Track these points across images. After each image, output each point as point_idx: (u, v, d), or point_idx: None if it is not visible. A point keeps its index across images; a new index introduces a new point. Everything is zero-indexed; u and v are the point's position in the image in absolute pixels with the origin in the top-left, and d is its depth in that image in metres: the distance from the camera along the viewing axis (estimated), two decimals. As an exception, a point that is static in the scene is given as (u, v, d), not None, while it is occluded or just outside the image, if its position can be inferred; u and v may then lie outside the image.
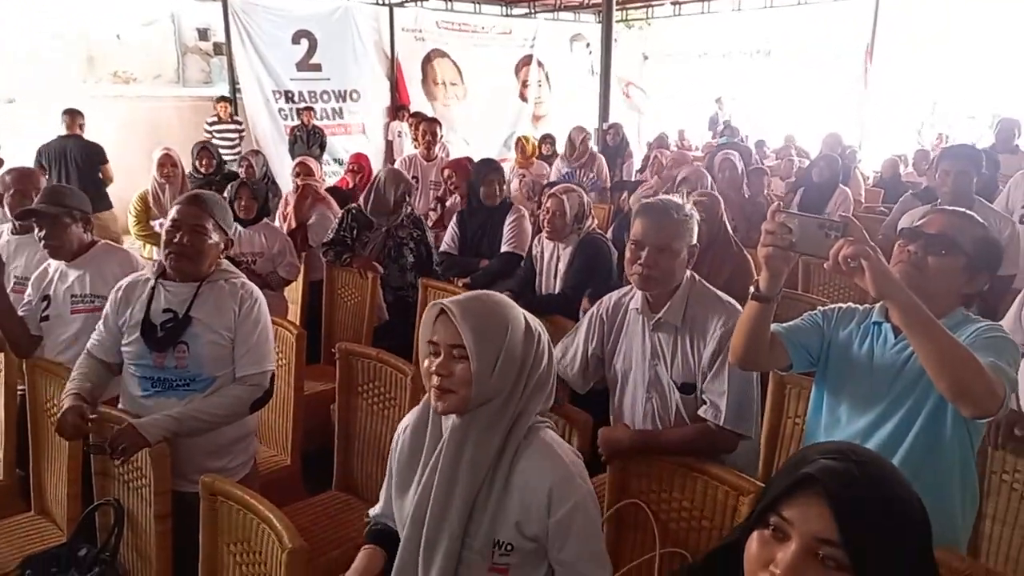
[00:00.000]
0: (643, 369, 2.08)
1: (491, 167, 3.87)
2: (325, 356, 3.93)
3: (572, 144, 6.11)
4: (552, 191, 3.37)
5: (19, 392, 2.70)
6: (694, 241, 2.04)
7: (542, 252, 3.42)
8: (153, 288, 2.15)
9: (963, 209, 1.75)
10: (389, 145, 10.35)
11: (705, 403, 1.98)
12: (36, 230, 2.51)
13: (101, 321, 2.23)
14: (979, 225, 1.64)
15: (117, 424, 2.00)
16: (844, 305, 1.84)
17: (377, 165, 9.12)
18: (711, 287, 2.09)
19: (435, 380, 1.37)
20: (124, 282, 2.24)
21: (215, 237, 2.12)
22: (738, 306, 2.01)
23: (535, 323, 1.45)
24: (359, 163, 5.67)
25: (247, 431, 2.30)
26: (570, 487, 1.38)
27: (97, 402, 2.14)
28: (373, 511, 1.65)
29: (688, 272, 2.07)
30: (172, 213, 2.10)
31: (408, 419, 1.58)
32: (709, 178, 3.85)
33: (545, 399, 1.46)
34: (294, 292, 4.13)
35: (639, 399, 2.10)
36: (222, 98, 8.81)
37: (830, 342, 1.76)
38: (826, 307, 1.86)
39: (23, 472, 2.69)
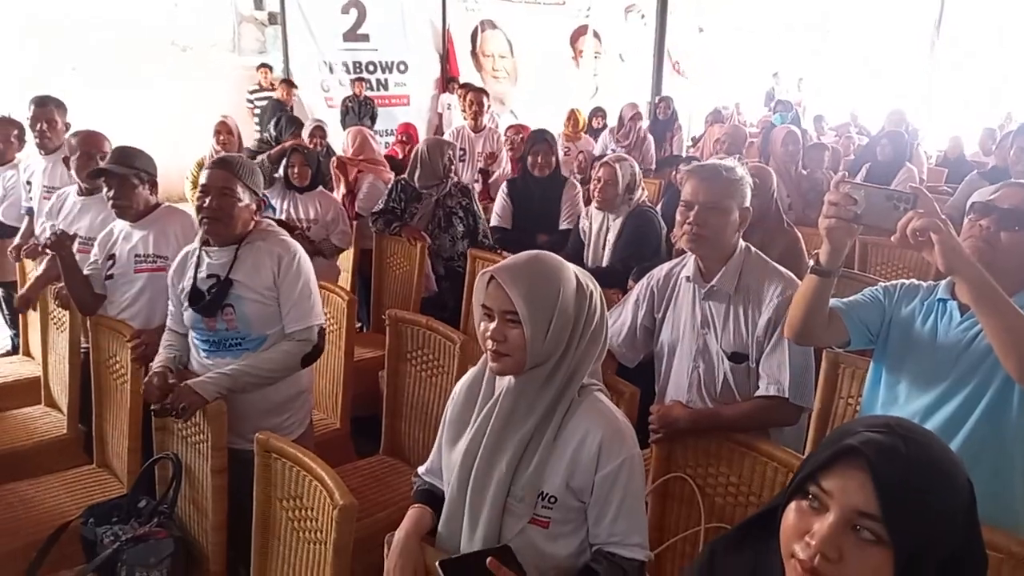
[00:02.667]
0: (691, 338, 2.06)
1: (540, 137, 3.85)
2: (374, 324, 4.00)
3: (621, 121, 6.01)
4: (604, 160, 3.35)
5: (83, 350, 2.81)
6: (746, 203, 2.00)
7: (591, 224, 3.40)
8: (198, 256, 2.22)
9: None
10: (439, 118, 10.34)
11: (762, 377, 1.94)
12: (105, 189, 2.58)
13: (170, 298, 2.33)
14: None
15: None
16: (908, 281, 1.78)
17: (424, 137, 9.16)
18: (766, 258, 2.05)
19: (490, 344, 1.39)
20: (178, 256, 2.33)
21: (245, 199, 2.16)
22: (795, 277, 1.97)
23: (586, 279, 1.44)
24: (407, 132, 5.67)
25: (300, 389, 2.35)
26: (621, 444, 1.40)
27: (186, 367, 2.26)
28: (421, 469, 1.68)
29: (743, 243, 2.03)
30: (201, 179, 2.15)
31: (465, 378, 1.60)
32: (749, 140, 3.80)
33: (599, 354, 1.47)
34: (345, 260, 4.19)
35: (685, 369, 2.08)
36: (263, 65, 8.90)
37: (891, 319, 1.71)
38: (888, 283, 1.80)
39: (86, 427, 2.81)
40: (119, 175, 2.54)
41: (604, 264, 3.29)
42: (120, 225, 2.68)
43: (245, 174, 2.16)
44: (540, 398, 1.41)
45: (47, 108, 3.50)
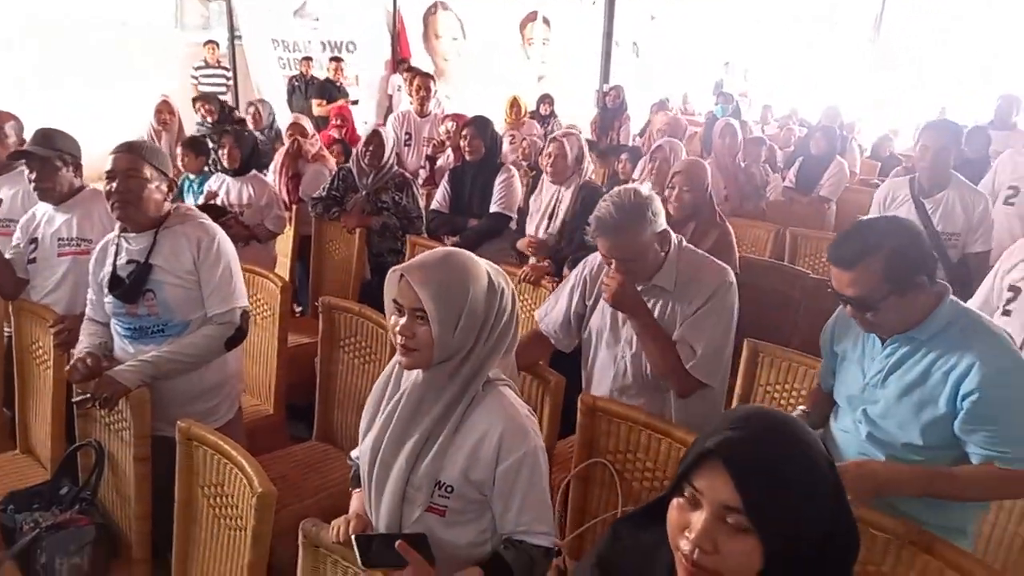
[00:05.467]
0: (618, 326, 2.12)
1: (469, 122, 3.91)
2: (313, 309, 3.98)
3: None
4: (552, 136, 3.52)
5: (6, 334, 2.74)
6: (660, 226, 2.04)
7: (543, 199, 3.51)
8: (117, 243, 2.20)
9: (845, 234, 1.69)
10: (389, 99, 10.23)
11: (678, 342, 2.03)
12: (27, 172, 2.52)
13: (89, 286, 2.30)
14: (874, 255, 1.57)
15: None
16: (836, 321, 1.89)
17: (373, 119, 9.05)
18: (697, 250, 2.13)
19: (399, 339, 1.42)
20: (98, 245, 2.30)
21: (154, 180, 2.14)
22: (727, 267, 2.09)
23: (497, 275, 1.47)
24: (341, 115, 5.61)
25: (227, 374, 2.35)
26: (521, 438, 1.43)
27: (110, 354, 2.24)
28: (354, 453, 1.72)
29: (674, 238, 2.10)
30: (108, 164, 2.13)
31: (383, 372, 1.63)
32: (682, 149, 3.97)
33: (507, 348, 1.50)
34: (284, 245, 4.16)
35: (613, 356, 2.15)
36: (209, 41, 8.71)
37: (838, 355, 1.87)
38: (828, 324, 1.91)
39: (9, 412, 2.75)
40: (41, 157, 2.48)
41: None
42: (43, 208, 2.62)
43: (150, 155, 2.15)
44: (444, 392, 1.44)
45: None
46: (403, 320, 1.41)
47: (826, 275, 2.16)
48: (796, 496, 0.88)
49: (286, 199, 4.18)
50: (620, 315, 2.13)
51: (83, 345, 2.20)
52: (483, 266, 1.46)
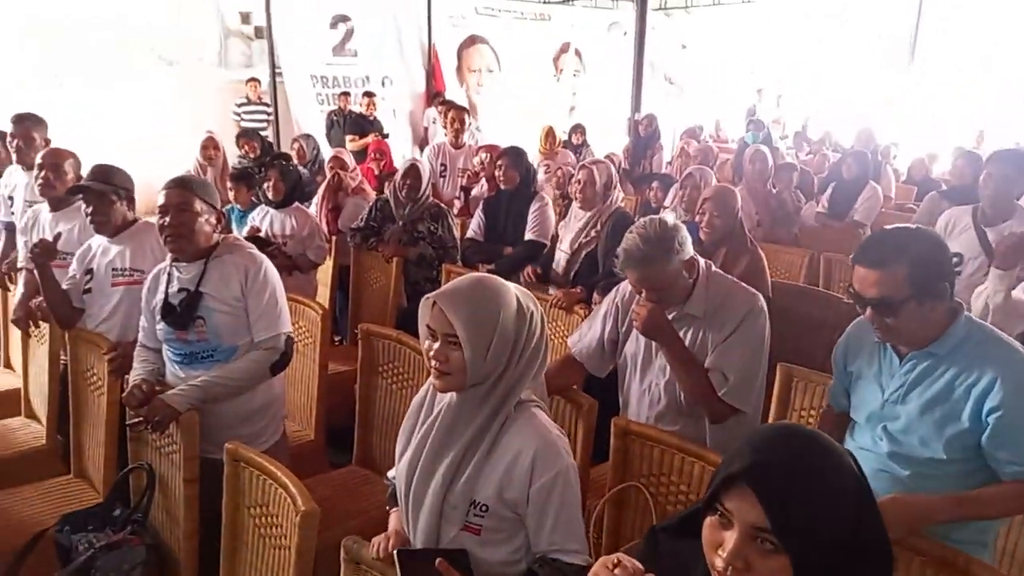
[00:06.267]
0: (652, 353, 2.15)
1: (503, 152, 4.01)
2: (351, 338, 4.08)
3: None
4: (581, 163, 3.57)
5: (62, 362, 2.87)
6: (687, 255, 2.08)
7: (573, 226, 3.57)
8: (168, 273, 2.32)
9: (873, 237, 1.73)
10: (425, 132, 10.45)
11: (711, 370, 2.05)
12: (84, 206, 2.66)
13: (142, 314, 2.41)
14: (900, 257, 1.59)
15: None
16: (851, 331, 1.91)
17: (408, 152, 9.25)
18: (727, 275, 2.16)
19: (433, 363, 1.48)
20: (151, 274, 2.42)
21: (203, 214, 2.25)
22: (757, 292, 2.13)
23: (527, 300, 1.53)
24: (380, 149, 5.77)
25: (272, 398, 2.43)
26: (554, 457, 1.48)
27: (162, 379, 2.34)
28: (391, 473, 1.77)
29: (702, 263, 2.14)
30: (159, 199, 2.24)
31: (417, 395, 1.69)
32: (712, 175, 4.00)
33: (537, 370, 1.55)
34: (324, 275, 4.27)
35: (648, 382, 2.19)
36: (251, 79, 9.01)
37: (851, 374, 1.88)
38: (838, 343, 1.94)
39: (63, 438, 2.87)
40: (98, 191, 2.62)
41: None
42: (98, 240, 2.75)
43: (200, 189, 2.27)
44: (477, 414, 1.49)
45: (23, 125, 3.56)
46: (436, 345, 1.47)
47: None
48: (824, 514, 0.90)
49: (326, 230, 4.30)
50: (653, 343, 2.16)
51: (137, 372, 2.30)
52: (512, 291, 1.52)
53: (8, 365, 3.59)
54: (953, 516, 1.62)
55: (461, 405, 1.51)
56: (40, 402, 3.02)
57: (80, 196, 2.82)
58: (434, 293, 1.49)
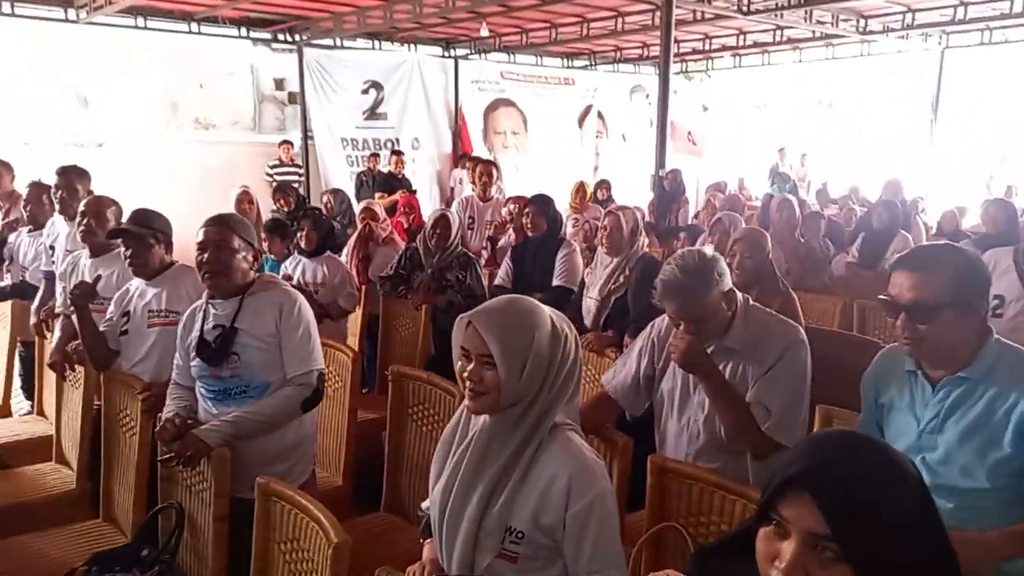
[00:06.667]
0: (690, 388, 2.11)
1: (531, 199, 4.07)
2: (380, 385, 4.07)
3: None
4: (608, 209, 3.61)
5: (95, 407, 2.89)
6: (726, 286, 2.06)
7: (599, 271, 3.57)
8: (204, 310, 2.34)
9: (917, 247, 1.73)
10: (451, 192, 10.65)
11: (753, 404, 2.00)
12: (123, 249, 2.72)
13: (177, 352, 2.43)
14: (942, 262, 1.58)
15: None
16: (878, 364, 1.87)
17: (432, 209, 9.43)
18: (765, 308, 2.13)
19: (468, 384, 1.46)
20: (187, 312, 2.44)
21: (241, 251, 2.29)
22: (797, 326, 2.10)
23: (561, 322, 1.52)
24: (410, 204, 5.88)
25: (302, 436, 2.42)
26: (590, 481, 1.44)
27: (195, 416, 2.34)
28: (425, 504, 1.73)
29: (740, 297, 2.11)
30: (198, 236, 2.29)
31: (447, 428, 1.67)
32: (741, 220, 4.00)
33: (572, 393, 1.53)
34: (353, 324, 4.30)
35: (686, 419, 2.13)
36: (284, 141, 9.31)
37: (882, 406, 1.83)
38: (865, 377, 1.90)
39: (93, 484, 2.87)
40: (137, 235, 2.68)
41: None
42: (135, 283, 2.80)
43: (239, 227, 2.32)
44: (512, 438, 1.47)
45: (68, 177, 3.69)
46: (471, 365, 1.45)
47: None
48: (885, 520, 0.85)
49: (356, 280, 4.34)
50: (691, 378, 2.12)
51: (170, 408, 2.31)
52: (547, 312, 1.51)
53: (41, 412, 3.62)
54: (1014, 552, 1.54)
55: (495, 428, 1.48)
56: (72, 447, 3.03)
57: (119, 242, 2.90)
58: (469, 313, 1.49)
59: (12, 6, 8.15)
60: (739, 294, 2.11)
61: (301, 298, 2.37)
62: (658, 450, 2.25)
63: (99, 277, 2.84)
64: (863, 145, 12.88)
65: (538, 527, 1.44)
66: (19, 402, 4.37)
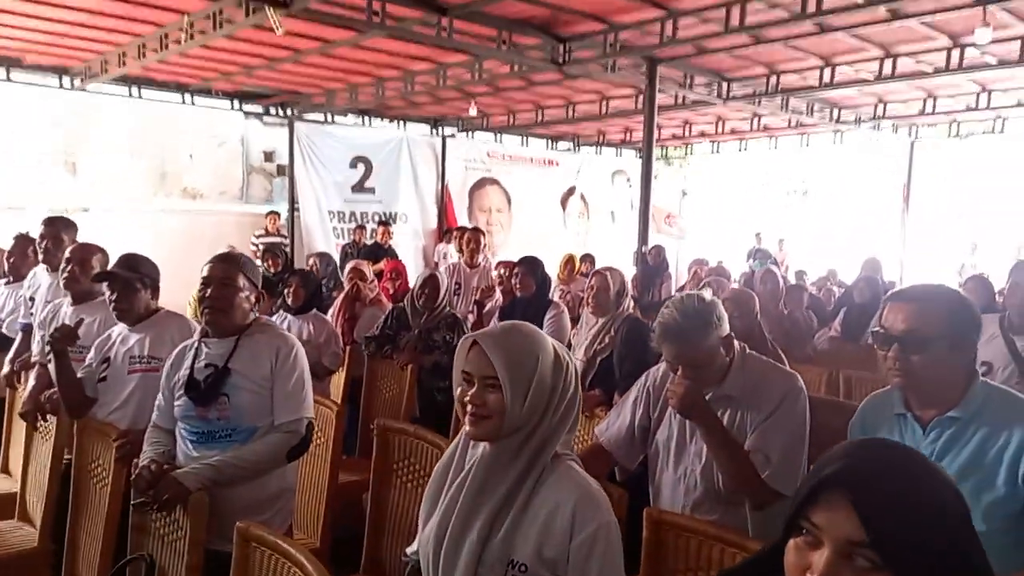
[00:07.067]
0: (687, 437, 2.07)
1: (521, 260, 4.13)
2: (361, 449, 3.96)
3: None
4: (595, 271, 3.60)
5: (64, 460, 2.77)
6: (725, 330, 2.05)
7: (585, 331, 3.56)
8: (196, 348, 2.28)
9: (915, 287, 1.71)
10: (436, 265, 10.71)
11: (752, 451, 1.96)
12: (108, 293, 2.67)
13: (159, 392, 2.35)
14: (938, 297, 1.61)
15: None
16: (864, 410, 1.85)
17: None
18: (762, 356, 2.12)
19: (469, 408, 1.42)
20: (176, 350, 2.38)
21: (245, 291, 2.25)
22: (796, 374, 2.09)
23: (563, 352, 1.49)
24: (396, 269, 5.90)
25: (283, 487, 2.32)
26: (595, 511, 1.39)
27: (173, 461, 2.24)
28: (410, 548, 1.65)
29: (738, 346, 2.09)
30: (203, 271, 2.25)
31: (439, 462, 1.61)
32: (728, 283, 4.04)
33: (571, 425, 1.49)
34: (336, 387, 4.21)
35: (683, 469, 2.08)
36: (271, 212, 9.41)
37: None
38: (852, 422, 1.88)
39: (56, 545, 2.72)
40: (124, 278, 2.64)
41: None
42: (118, 329, 2.74)
43: (247, 268, 2.29)
44: (512, 466, 1.42)
45: (54, 227, 3.66)
46: (473, 389, 1.42)
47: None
48: (927, 526, 0.80)
49: (341, 339, 4.29)
50: (688, 427, 2.09)
51: (147, 454, 2.21)
52: (550, 341, 1.49)
53: (5, 470, 3.46)
54: None
55: (495, 457, 1.43)
56: (36, 502, 2.88)
57: (102, 289, 2.85)
58: (474, 333, 1.46)
59: (8, 71, 8.29)
60: (736, 342, 2.10)
61: (298, 344, 2.32)
62: (652, 503, 2.19)
63: (81, 321, 2.77)
64: (838, 231, 13.20)
65: (542, 560, 1.38)
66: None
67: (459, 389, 1.46)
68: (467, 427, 1.44)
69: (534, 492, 1.41)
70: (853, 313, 5.09)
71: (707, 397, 2.02)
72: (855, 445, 0.89)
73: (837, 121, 11.15)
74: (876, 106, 10.72)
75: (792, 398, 1.99)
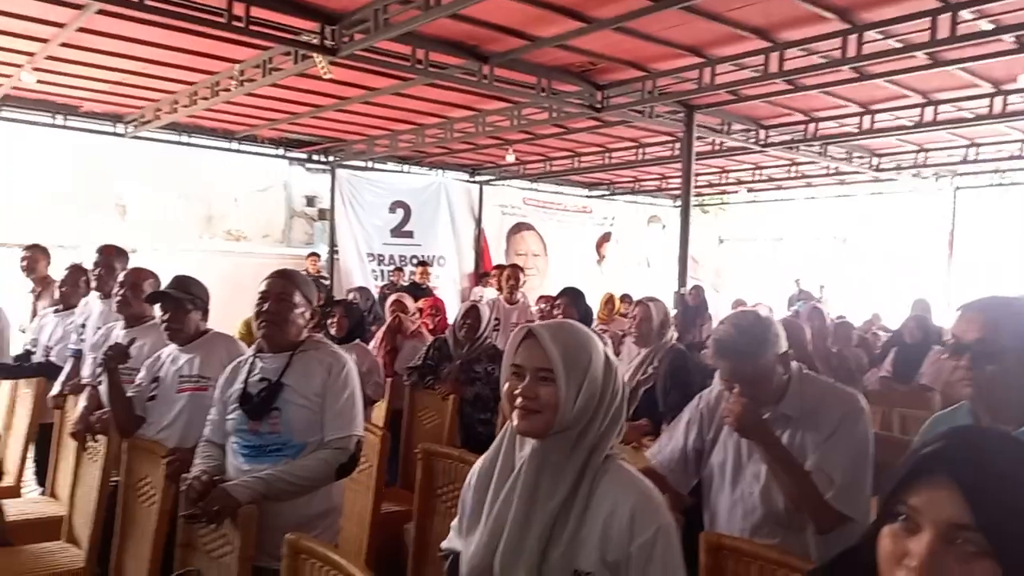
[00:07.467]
0: (743, 459, 2.01)
1: (563, 291, 4.13)
2: (403, 480, 3.92)
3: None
4: (639, 299, 3.54)
5: (112, 483, 2.78)
6: (781, 347, 2.00)
7: (627, 361, 3.51)
8: (250, 363, 2.29)
9: (987, 298, 1.66)
10: (473, 305, 10.81)
11: (814, 470, 1.88)
12: (160, 313, 2.71)
13: (213, 408, 2.37)
14: (1010, 308, 1.57)
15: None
16: (927, 433, 1.79)
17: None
18: (820, 376, 2.06)
19: (519, 402, 1.38)
20: (230, 365, 2.40)
21: (300, 307, 2.27)
22: (855, 392, 2.01)
23: (613, 357, 1.46)
24: (436, 306, 5.92)
25: (331, 506, 2.30)
26: (654, 511, 1.35)
27: (222, 475, 2.23)
28: (445, 544, 1.60)
29: (795, 366, 2.04)
30: (261, 286, 2.28)
31: (477, 462, 1.56)
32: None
33: (616, 435, 1.45)
34: (377, 419, 4.20)
35: (740, 492, 2.01)
36: (312, 254, 9.59)
37: None
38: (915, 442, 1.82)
39: (101, 569, 2.71)
40: (175, 299, 2.69)
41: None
42: (168, 350, 2.78)
43: (303, 285, 2.31)
44: (566, 468, 1.37)
45: (107, 255, 3.76)
46: (525, 382, 1.38)
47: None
48: None
49: (383, 370, 4.29)
50: (745, 449, 2.03)
51: (198, 467, 2.21)
52: (600, 343, 1.46)
53: (53, 495, 3.49)
54: None
55: (545, 456, 1.38)
56: (84, 524, 2.89)
57: (154, 312, 2.91)
58: (528, 325, 1.43)
59: (64, 119, 8.65)
60: (794, 362, 2.05)
61: (351, 362, 2.33)
62: (708, 528, 2.11)
63: (132, 340, 2.82)
64: (879, 278, 12.98)
65: (606, 565, 1.33)
66: (29, 490, 4.24)
67: (507, 384, 1.43)
68: (515, 421, 1.40)
69: (591, 495, 1.37)
70: (904, 353, 4.97)
71: (764, 417, 1.96)
72: (952, 430, 0.84)
73: (877, 169, 11.05)
74: (917, 154, 10.61)
75: (853, 418, 1.93)
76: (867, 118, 8.42)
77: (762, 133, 9.14)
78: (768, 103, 7.99)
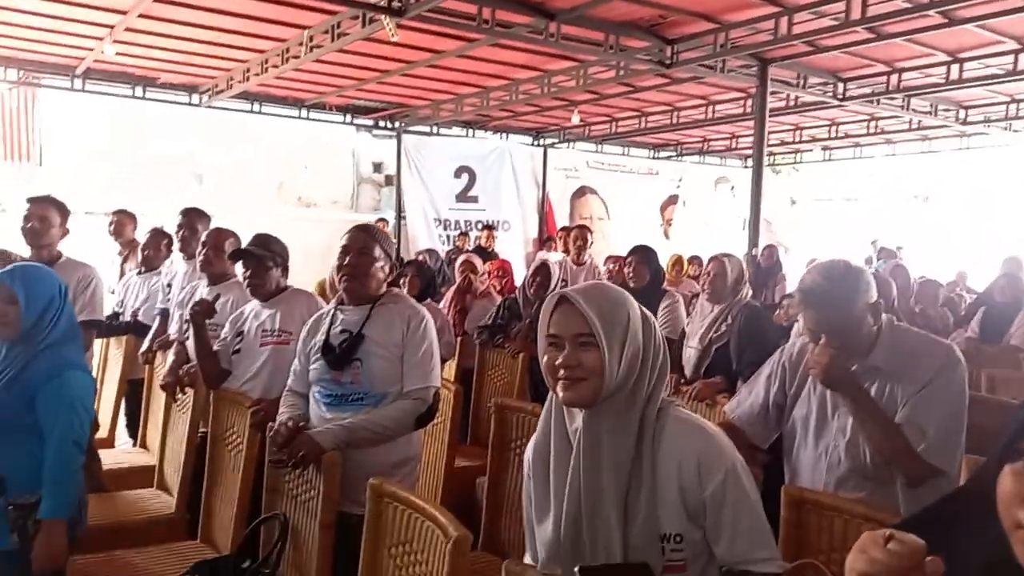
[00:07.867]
0: (828, 413, 1.95)
1: (634, 249, 4.04)
2: (473, 437, 3.98)
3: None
4: (713, 255, 3.46)
5: (200, 434, 2.91)
6: (873, 298, 1.92)
7: (702, 319, 3.46)
8: (332, 315, 2.35)
9: None
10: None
11: (905, 424, 1.81)
12: (243, 270, 2.80)
13: (295, 359, 2.44)
14: None
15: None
16: None
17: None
18: (915, 329, 1.98)
19: (562, 372, 1.33)
20: (312, 317, 2.47)
21: (380, 261, 2.31)
22: (951, 344, 1.93)
23: (647, 312, 1.43)
24: (503, 268, 5.92)
25: (410, 454, 2.35)
26: (719, 455, 1.33)
27: (307, 422, 2.29)
28: (527, 558, 1.53)
29: (885, 318, 1.95)
30: (343, 241, 2.32)
31: (529, 446, 1.52)
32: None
33: (664, 389, 1.41)
34: (447, 377, 4.26)
35: (823, 447, 1.95)
36: (380, 219, 9.75)
37: None
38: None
39: (191, 513, 2.85)
40: (257, 256, 2.76)
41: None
42: (251, 306, 2.87)
43: (383, 240, 2.35)
44: (624, 431, 1.33)
45: (190, 217, 3.91)
46: (564, 351, 1.33)
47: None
48: None
49: (453, 330, 4.34)
50: (829, 402, 1.96)
51: (283, 414, 2.29)
52: (634, 300, 1.41)
53: (144, 446, 3.68)
54: None
55: (600, 422, 1.33)
56: (174, 472, 3.04)
57: (235, 274, 3.01)
58: (559, 292, 1.38)
59: (144, 90, 8.94)
60: (884, 313, 1.96)
61: (429, 316, 2.37)
62: (788, 481, 2.07)
63: (217, 296, 2.92)
64: (962, 239, 12.37)
65: (689, 518, 1.31)
66: (122, 443, 4.47)
67: (546, 357, 1.36)
68: (561, 393, 1.34)
69: (656, 453, 1.34)
70: (992, 313, 4.73)
71: (852, 369, 1.90)
72: None
73: (964, 123, 10.45)
74: (1008, 105, 9.99)
75: (950, 368, 1.84)
76: (955, 67, 7.94)
77: (840, 86, 8.73)
78: (848, 54, 7.60)
